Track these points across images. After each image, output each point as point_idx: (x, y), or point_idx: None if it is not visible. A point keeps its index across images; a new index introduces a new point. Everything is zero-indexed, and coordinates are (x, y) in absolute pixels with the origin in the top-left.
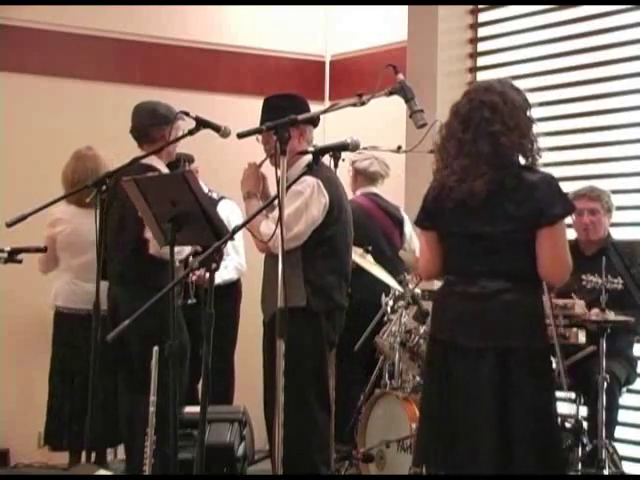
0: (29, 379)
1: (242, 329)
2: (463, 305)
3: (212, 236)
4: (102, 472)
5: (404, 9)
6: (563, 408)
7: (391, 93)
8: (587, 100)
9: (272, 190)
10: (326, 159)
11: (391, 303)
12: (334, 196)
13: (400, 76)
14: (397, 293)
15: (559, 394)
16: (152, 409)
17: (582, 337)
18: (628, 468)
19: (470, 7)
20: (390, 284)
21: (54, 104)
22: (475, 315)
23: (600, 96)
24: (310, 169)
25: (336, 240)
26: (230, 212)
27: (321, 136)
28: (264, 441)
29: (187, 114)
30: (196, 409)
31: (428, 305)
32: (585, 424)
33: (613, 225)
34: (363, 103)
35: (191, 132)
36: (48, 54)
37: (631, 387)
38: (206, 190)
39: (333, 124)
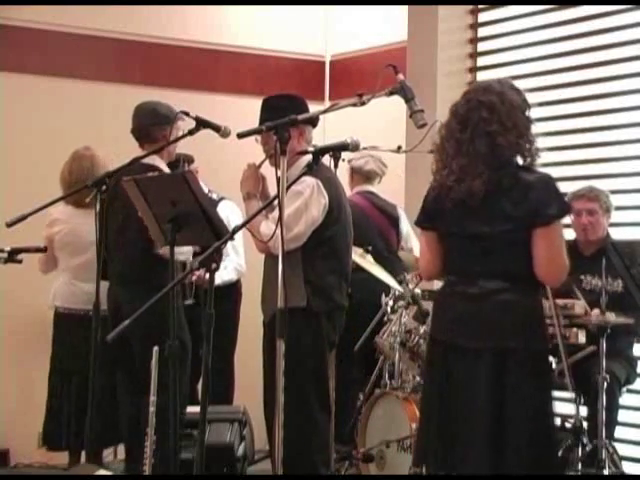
0: (29, 379)
1: (242, 329)
2: (463, 305)
3: (212, 236)
4: (102, 472)
5: (404, 9)
6: (563, 408)
7: (391, 93)
8: (587, 100)
9: (272, 190)
10: (326, 159)
11: (391, 303)
12: (334, 196)
13: (400, 76)
14: (397, 293)
15: (561, 394)
16: (152, 409)
17: (582, 337)
18: (628, 468)
19: (470, 7)
20: (390, 284)
21: (54, 104)
22: (473, 315)
23: (600, 96)
24: (310, 169)
25: (336, 240)
26: (230, 212)
27: (321, 136)
28: (264, 441)
29: (187, 114)
30: (196, 409)
31: (428, 305)
32: (585, 424)
33: (613, 225)
34: (363, 103)
35: (191, 132)
36: (48, 54)
37: (631, 387)
38: (206, 190)
39: (333, 124)
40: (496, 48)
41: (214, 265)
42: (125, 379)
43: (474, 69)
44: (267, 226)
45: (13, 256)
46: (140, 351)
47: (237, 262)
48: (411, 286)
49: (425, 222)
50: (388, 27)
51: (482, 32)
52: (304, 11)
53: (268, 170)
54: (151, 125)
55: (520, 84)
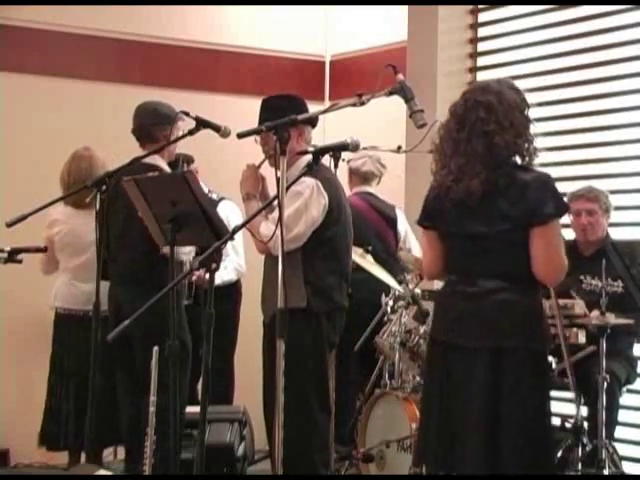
0: (29, 379)
1: (242, 329)
2: (463, 305)
3: (212, 236)
4: (102, 472)
5: (404, 9)
6: (563, 408)
7: (391, 93)
8: (587, 100)
9: (271, 191)
10: (326, 159)
11: (391, 303)
12: (333, 197)
13: (400, 76)
14: (397, 293)
15: (561, 394)
16: (152, 409)
17: (582, 337)
18: (628, 468)
19: (470, 7)
20: (390, 284)
21: (54, 104)
22: (472, 315)
23: (600, 96)
24: (310, 169)
25: (336, 241)
26: (230, 212)
27: (321, 136)
28: (264, 441)
29: (187, 114)
30: (196, 409)
31: (428, 305)
32: (585, 424)
33: (612, 225)
34: (363, 103)
35: (191, 132)
36: (48, 54)
37: (631, 387)
38: (206, 190)
39: (333, 124)
40: (496, 48)
41: (214, 265)
42: (125, 379)
43: (474, 69)
44: (267, 227)
45: (13, 256)
46: (141, 351)
47: (237, 262)
48: (411, 286)
49: (426, 222)
50: (388, 27)
51: (482, 32)
52: (304, 11)
53: (268, 170)
54: (152, 125)
55: (520, 84)
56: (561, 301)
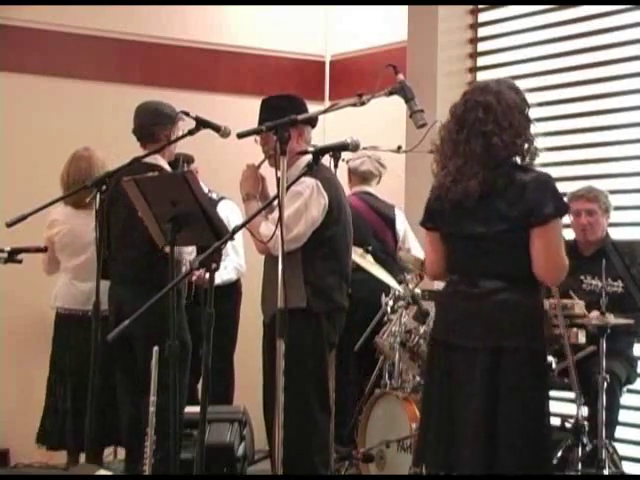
0: (29, 379)
1: (242, 329)
2: (465, 305)
3: (212, 236)
4: (102, 472)
5: (404, 9)
6: (563, 408)
7: (391, 93)
8: (587, 100)
9: (271, 191)
10: (326, 159)
11: (391, 303)
12: (333, 197)
13: (400, 76)
14: (397, 293)
15: (561, 394)
16: (152, 409)
17: (582, 337)
18: (628, 468)
19: (470, 7)
20: (390, 284)
21: (54, 104)
22: (472, 315)
23: (600, 96)
24: (310, 169)
25: (336, 241)
26: (230, 212)
27: (321, 136)
28: (264, 441)
29: (187, 114)
30: (196, 409)
31: (428, 305)
32: (585, 424)
33: (612, 225)
34: (363, 103)
35: (191, 132)
36: (48, 54)
37: (631, 387)
38: (206, 190)
39: (333, 124)
40: (496, 48)
41: (214, 265)
42: (125, 379)
43: (474, 69)
44: (267, 227)
45: (13, 256)
46: (142, 351)
47: (237, 262)
48: (411, 286)
49: (428, 223)
50: (388, 27)
51: (482, 32)
52: (304, 11)
53: (268, 171)
54: (153, 125)
55: (520, 84)
56: (555, 300)
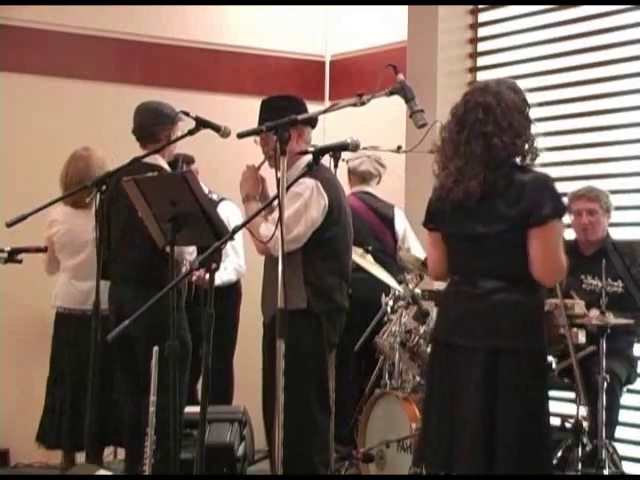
0: (29, 379)
1: (242, 330)
2: (466, 305)
3: (212, 236)
4: (102, 472)
5: (404, 9)
6: (563, 408)
7: (391, 93)
8: (587, 100)
9: (271, 192)
10: (326, 159)
11: (391, 303)
12: (333, 197)
13: (400, 76)
14: (397, 293)
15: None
16: (152, 409)
17: (582, 337)
18: (628, 468)
19: (470, 7)
20: (390, 284)
21: (54, 104)
22: (472, 315)
23: (600, 96)
24: (310, 169)
25: (336, 241)
26: (230, 213)
27: (321, 136)
28: (264, 441)
29: (187, 114)
30: (196, 409)
31: (428, 305)
32: (585, 424)
33: (613, 225)
34: (363, 103)
35: (191, 132)
36: (48, 54)
37: (631, 387)
38: (206, 191)
39: (333, 124)
40: (496, 48)
41: (214, 265)
42: (125, 379)
43: (474, 69)
44: (267, 227)
45: (13, 256)
46: (143, 351)
47: (237, 263)
48: (411, 286)
49: (430, 223)
50: (388, 27)
51: (482, 32)
52: (304, 11)
53: (268, 171)
54: (154, 125)
55: (520, 84)
56: (558, 300)
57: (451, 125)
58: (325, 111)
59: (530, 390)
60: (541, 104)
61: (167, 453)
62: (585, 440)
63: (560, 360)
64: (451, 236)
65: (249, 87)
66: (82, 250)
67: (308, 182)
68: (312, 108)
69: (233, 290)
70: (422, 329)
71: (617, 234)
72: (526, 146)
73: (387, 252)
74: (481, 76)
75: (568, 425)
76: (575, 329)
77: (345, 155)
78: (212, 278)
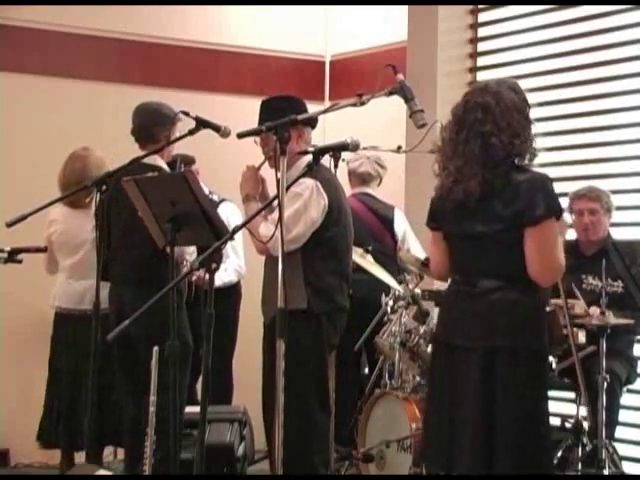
0: (29, 379)
1: (242, 330)
2: (466, 304)
3: (212, 236)
4: (102, 472)
5: (404, 9)
6: (563, 408)
7: (391, 93)
8: (587, 100)
9: (271, 192)
10: (326, 160)
11: (391, 303)
12: (333, 197)
13: (400, 76)
14: (397, 293)
15: (561, 394)
16: (152, 409)
17: (582, 337)
18: (628, 468)
19: (470, 7)
20: (390, 284)
21: (54, 104)
22: (472, 315)
23: (600, 96)
24: (310, 170)
25: (336, 241)
26: (230, 214)
27: (321, 136)
28: (264, 441)
29: (187, 114)
30: (196, 409)
31: (428, 305)
32: (585, 424)
33: (613, 225)
34: (363, 103)
35: (191, 132)
36: (48, 54)
37: (631, 387)
38: (207, 192)
39: (333, 124)
40: (496, 48)
41: (214, 265)
42: (126, 379)
43: (474, 69)
44: (266, 227)
45: (13, 256)
46: (142, 351)
47: (237, 264)
48: (411, 286)
49: (432, 223)
50: (388, 27)
51: (482, 32)
52: (304, 11)
53: (268, 172)
54: (154, 125)
55: (520, 84)
56: (561, 301)
57: (451, 125)
58: (325, 111)
59: (528, 389)
60: (541, 104)
61: (167, 453)
62: (585, 440)
63: (560, 360)
64: (452, 235)
65: (249, 87)
66: (79, 250)
67: (308, 182)
68: (312, 108)
69: (233, 290)
70: (422, 329)
71: (617, 234)
72: (525, 146)
73: (387, 253)
74: (481, 76)
75: (568, 425)
76: (575, 329)
77: (345, 156)
78: (212, 278)
